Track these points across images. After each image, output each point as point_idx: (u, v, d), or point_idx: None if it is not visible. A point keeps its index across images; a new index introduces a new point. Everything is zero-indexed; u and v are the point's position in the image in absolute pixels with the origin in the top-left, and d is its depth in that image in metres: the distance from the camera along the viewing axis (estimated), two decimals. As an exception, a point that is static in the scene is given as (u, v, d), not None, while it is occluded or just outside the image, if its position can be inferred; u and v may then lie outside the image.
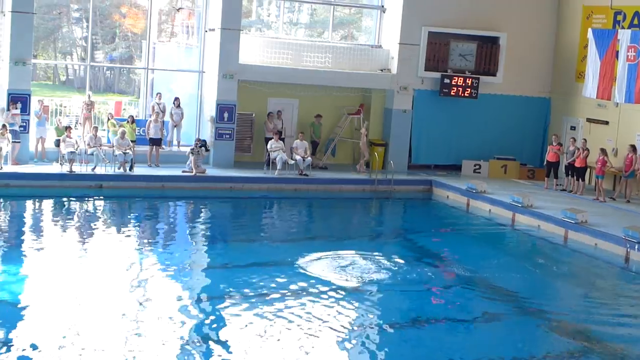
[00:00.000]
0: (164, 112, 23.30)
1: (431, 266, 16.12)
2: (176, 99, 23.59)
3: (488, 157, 25.57)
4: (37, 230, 17.37)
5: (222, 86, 23.14)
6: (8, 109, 21.06)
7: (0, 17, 21.54)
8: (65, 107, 26.18)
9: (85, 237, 16.82)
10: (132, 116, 23.36)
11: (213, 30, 23.48)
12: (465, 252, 17.50)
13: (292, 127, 24.93)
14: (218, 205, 21.21)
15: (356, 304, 13.09)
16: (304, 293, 13.45)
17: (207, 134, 23.51)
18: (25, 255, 14.93)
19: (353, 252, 16.23)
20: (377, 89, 25.28)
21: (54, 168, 21.11)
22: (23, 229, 17.26)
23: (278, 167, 22.67)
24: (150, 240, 16.84)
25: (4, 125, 20.46)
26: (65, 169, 20.85)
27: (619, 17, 23.55)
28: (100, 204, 20.13)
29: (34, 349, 10.37)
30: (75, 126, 23.27)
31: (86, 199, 20.06)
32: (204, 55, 24.26)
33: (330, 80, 24.33)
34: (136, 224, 18.43)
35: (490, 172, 25.22)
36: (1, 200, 18.99)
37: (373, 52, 25.34)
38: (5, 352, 10.21)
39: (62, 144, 21.03)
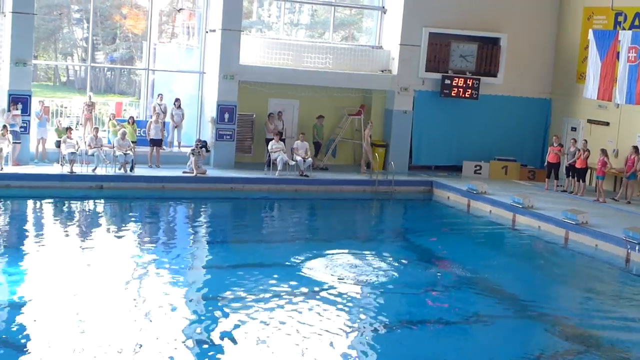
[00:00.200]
0: (165, 113, 23.31)
1: (431, 267, 16.12)
2: (177, 99, 23.60)
3: (489, 158, 25.57)
4: (38, 231, 17.35)
5: (223, 87, 23.14)
6: (9, 110, 21.06)
7: (0, 18, 21.54)
8: (65, 108, 26.18)
9: (85, 238, 16.82)
10: (133, 117, 23.37)
11: (214, 31, 23.49)
12: (465, 253, 17.49)
13: (292, 127, 24.93)
14: (218, 206, 21.21)
15: (356, 305, 13.08)
16: (304, 294, 13.44)
17: (208, 134, 23.51)
18: (25, 256, 14.91)
19: (353, 253, 16.21)
20: (378, 90, 25.28)
21: (55, 169, 21.10)
22: (24, 229, 17.24)
23: (279, 168, 22.68)
24: (150, 241, 16.83)
25: (4, 126, 20.46)
26: (65, 169, 20.85)
27: (620, 18, 23.55)
28: (100, 204, 20.14)
29: (33, 349, 10.37)
30: (76, 127, 23.28)
31: (87, 199, 20.06)
32: (204, 56, 24.26)
33: (331, 81, 24.33)
34: (137, 225, 18.42)
35: (491, 173, 25.22)
36: (2, 200, 18.99)
37: (374, 53, 25.34)
38: (5, 352, 10.21)
39: (62, 145, 21.02)
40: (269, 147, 23.02)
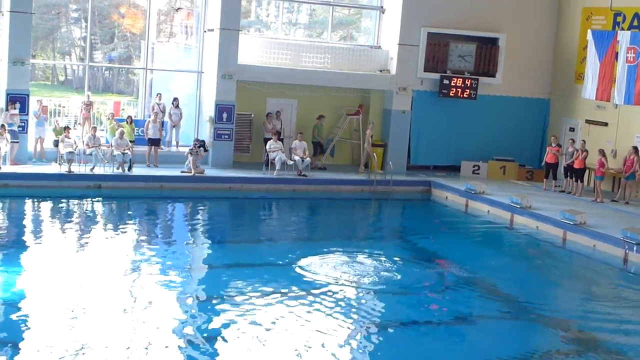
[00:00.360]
0: (164, 112, 23.30)
1: (429, 267, 16.11)
2: (175, 99, 23.58)
3: (487, 158, 25.57)
4: (36, 230, 17.34)
5: (221, 86, 23.13)
6: (7, 109, 21.04)
7: (-2, 17, 21.54)
8: (63, 107, 26.19)
9: (83, 237, 16.80)
10: (131, 116, 23.35)
11: (212, 30, 23.47)
12: (463, 253, 17.49)
13: (291, 127, 24.92)
14: (217, 206, 21.20)
15: (353, 305, 13.06)
16: (302, 293, 13.42)
17: (206, 134, 23.50)
18: (23, 255, 14.91)
19: (351, 252, 16.20)
20: (376, 90, 25.27)
21: (53, 168, 21.09)
22: (22, 229, 17.23)
23: (277, 168, 22.66)
24: (148, 241, 16.80)
25: (2, 125, 20.44)
26: (63, 169, 20.83)
27: (619, 19, 23.55)
28: (98, 204, 20.11)
29: (33, 349, 10.36)
30: (74, 126, 23.27)
31: (85, 199, 20.04)
32: (202, 56, 24.24)
33: (329, 80, 24.31)
34: (135, 224, 18.41)
35: (489, 173, 25.22)
36: (0, 200, 18.96)
37: (372, 53, 25.33)
38: (4, 352, 10.19)
39: (60, 144, 21.01)
40: (267, 146, 23.01)
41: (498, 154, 25.79)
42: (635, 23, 22.97)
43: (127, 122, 22.51)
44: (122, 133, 21.61)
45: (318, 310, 12.64)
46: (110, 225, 18.06)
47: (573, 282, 16.34)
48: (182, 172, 21.94)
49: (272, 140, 23.02)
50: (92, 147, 21.27)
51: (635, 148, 21.59)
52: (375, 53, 25.38)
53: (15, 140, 20.85)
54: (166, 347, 10.78)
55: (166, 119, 23.44)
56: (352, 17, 30.71)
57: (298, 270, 14.70)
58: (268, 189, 22.34)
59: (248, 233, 18.40)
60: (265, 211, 21.52)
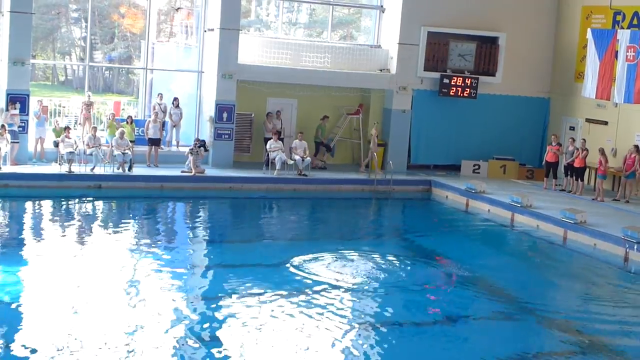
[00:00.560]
0: (165, 112, 23.31)
1: (429, 266, 16.12)
2: (175, 99, 23.59)
3: (487, 157, 25.57)
4: (36, 230, 17.35)
5: (221, 86, 23.13)
6: (7, 109, 21.05)
7: (-1, 17, 21.55)
8: (64, 107, 26.18)
9: (84, 237, 16.81)
10: (131, 116, 23.36)
11: (212, 30, 23.47)
12: (463, 252, 17.50)
13: (291, 127, 24.92)
14: (217, 206, 21.21)
15: (354, 304, 13.08)
16: (302, 293, 13.43)
17: (206, 134, 23.50)
18: (24, 256, 14.92)
19: (352, 252, 16.21)
20: (376, 89, 25.27)
21: (53, 168, 21.09)
22: (22, 229, 17.25)
23: (277, 167, 22.67)
24: (149, 241, 16.80)
25: (2, 126, 20.44)
26: (64, 169, 20.84)
27: (619, 17, 23.55)
28: (99, 204, 20.11)
29: (32, 350, 10.36)
30: (75, 126, 23.27)
31: (85, 199, 20.05)
32: (203, 55, 24.25)
33: (330, 80, 24.31)
34: (135, 224, 18.42)
35: (490, 172, 25.22)
36: (0, 200, 18.96)
37: (372, 52, 25.33)
38: (4, 352, 10.19)
39: (61, 144, 21.02)
40: (268, 146, 23.01)
41: (498, 153, 25.79)
42: (635, 22, 22.97)
43: (127, 122, 22.52)
44: (122, 133, 21.62)
45: (320, 308, 12.62)
46: (110, 226, 18.06)
47: (573, 281, 16.33)
48: (182, 172, 21.94)
49: (272, 140, 23.02)
50: (93, 147, 21.27)
51: (636, 147, 21.57)
52: (375, 52, 25.38)
53: (15, 141, 20.85)
54: (168, 346, 10.79)
55: (167, 118, 23.45)
56: (352, 16, 30.72)
57: (299, 269, 14.68)
58: (268, 188, 22.35)
59: (248, 233, 18.39)
60: (265, 211, 21.52)
